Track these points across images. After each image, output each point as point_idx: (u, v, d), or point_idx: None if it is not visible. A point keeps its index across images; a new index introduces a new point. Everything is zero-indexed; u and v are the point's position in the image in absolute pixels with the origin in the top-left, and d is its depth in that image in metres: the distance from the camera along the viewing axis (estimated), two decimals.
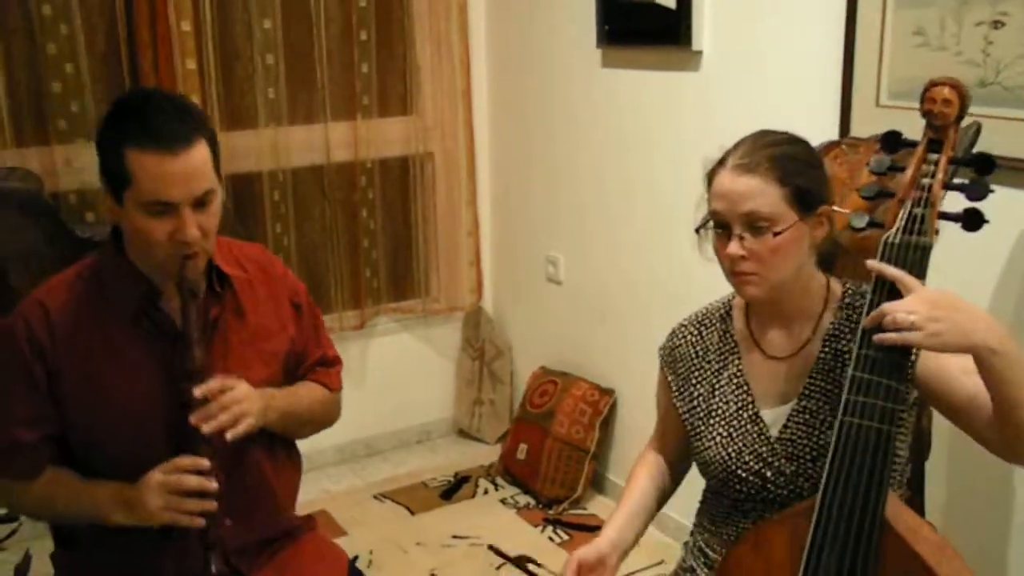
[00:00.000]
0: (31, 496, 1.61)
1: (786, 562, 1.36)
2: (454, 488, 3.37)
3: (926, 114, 1.39)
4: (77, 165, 2.91)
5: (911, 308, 1.28)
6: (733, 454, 1.59)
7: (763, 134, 1.55)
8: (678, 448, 1.76)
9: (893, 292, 1.33)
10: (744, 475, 1.58)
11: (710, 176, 1.55)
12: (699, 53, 2.62)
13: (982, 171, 1.39)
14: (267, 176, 3.23)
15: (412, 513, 3.20)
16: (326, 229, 3.40)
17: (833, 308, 1.58)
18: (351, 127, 3.33)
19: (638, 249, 3.01)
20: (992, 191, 1.35)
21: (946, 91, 1.37)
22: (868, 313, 1.33)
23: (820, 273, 1.60)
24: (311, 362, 1.83)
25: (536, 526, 3.10)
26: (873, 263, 1.35)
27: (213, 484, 1.51)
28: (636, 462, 1.81)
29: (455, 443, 3.76)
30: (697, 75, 2.65)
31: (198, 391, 1.51)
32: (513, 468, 3.35)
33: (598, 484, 3.27)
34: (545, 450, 3.23)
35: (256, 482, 1.71)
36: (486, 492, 3.34)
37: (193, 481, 1.50)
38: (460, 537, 3.04)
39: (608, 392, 3.20)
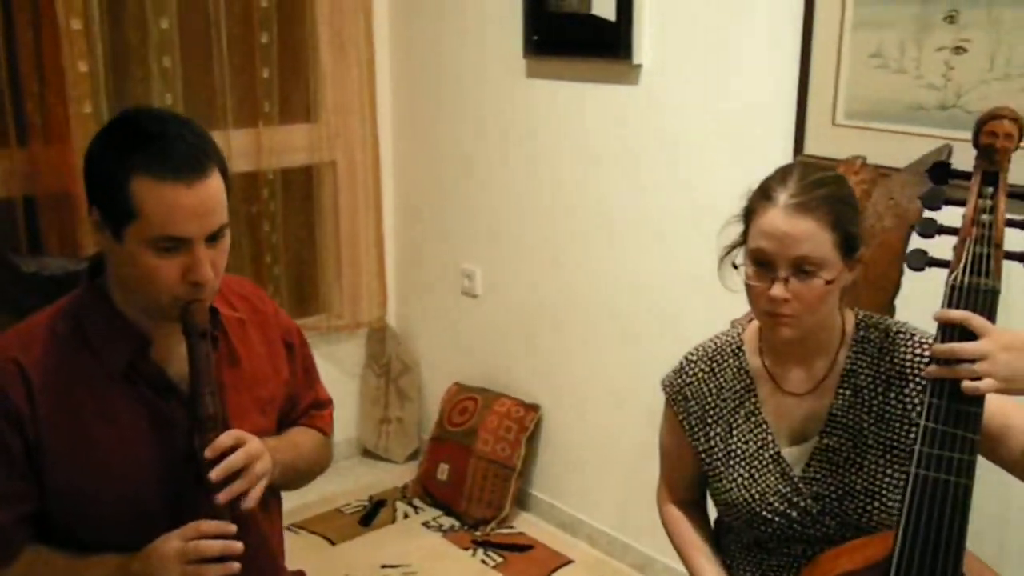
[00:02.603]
0: None
1: None
2: (372, 513, 3.22)
3: (985, 148, 1.35)
4: None
5: (984, 352, 1.27)
6: (757, 496, 1.55)
7: (808, 170, 1.49)
8: (692, 486, 1.72)
9: (964, 336, 1.29)
10: (769, 516, 1.55)
11: (751, 209, 1.48)
12: (639, 67, 2.60)
13: None
14: None
15: (332, 544, 3.04)
16: None
17: (848, 342, 1.56)
18: (254, 135, 3.12)
19: (560, 263, 2.97)
20: None
21: (1006, 124, 1.33)
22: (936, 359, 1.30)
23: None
24: (304, 406, 1.69)
25: (466, 549, 3.01)
26: (940, 314, 1.31)
27: (238, 546, 1.35)
28: (669, 524, 1.74)
29: (361, 464, 3.60)
30: (636, 88, 2.63)
31: (209, 451, 1.35)
32: (433, 489, 3.24)
33: (523, 502, 3.21)
34: (469, 469, 3.14)
35: (255, 541, 1.54)
36: (406, 516, 3.21)
37: (216, 547, 1.33)
38: (390, 566, 2.90)
39: (533, 407, 3.14)
